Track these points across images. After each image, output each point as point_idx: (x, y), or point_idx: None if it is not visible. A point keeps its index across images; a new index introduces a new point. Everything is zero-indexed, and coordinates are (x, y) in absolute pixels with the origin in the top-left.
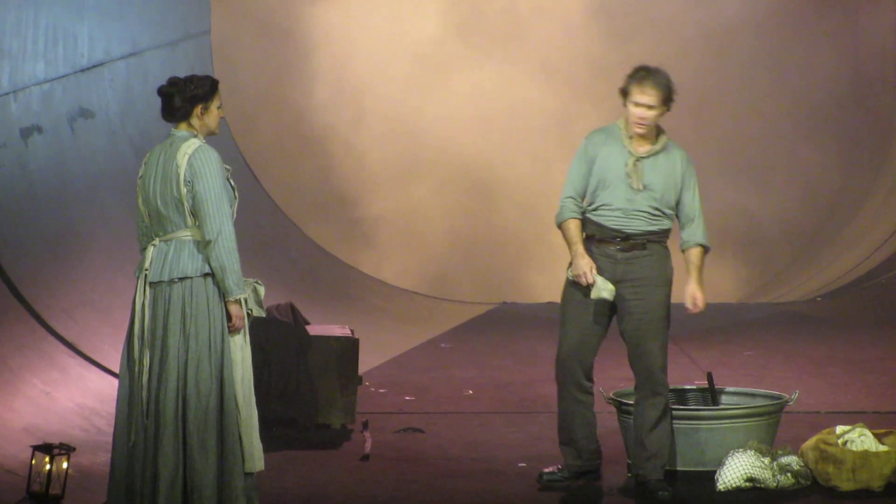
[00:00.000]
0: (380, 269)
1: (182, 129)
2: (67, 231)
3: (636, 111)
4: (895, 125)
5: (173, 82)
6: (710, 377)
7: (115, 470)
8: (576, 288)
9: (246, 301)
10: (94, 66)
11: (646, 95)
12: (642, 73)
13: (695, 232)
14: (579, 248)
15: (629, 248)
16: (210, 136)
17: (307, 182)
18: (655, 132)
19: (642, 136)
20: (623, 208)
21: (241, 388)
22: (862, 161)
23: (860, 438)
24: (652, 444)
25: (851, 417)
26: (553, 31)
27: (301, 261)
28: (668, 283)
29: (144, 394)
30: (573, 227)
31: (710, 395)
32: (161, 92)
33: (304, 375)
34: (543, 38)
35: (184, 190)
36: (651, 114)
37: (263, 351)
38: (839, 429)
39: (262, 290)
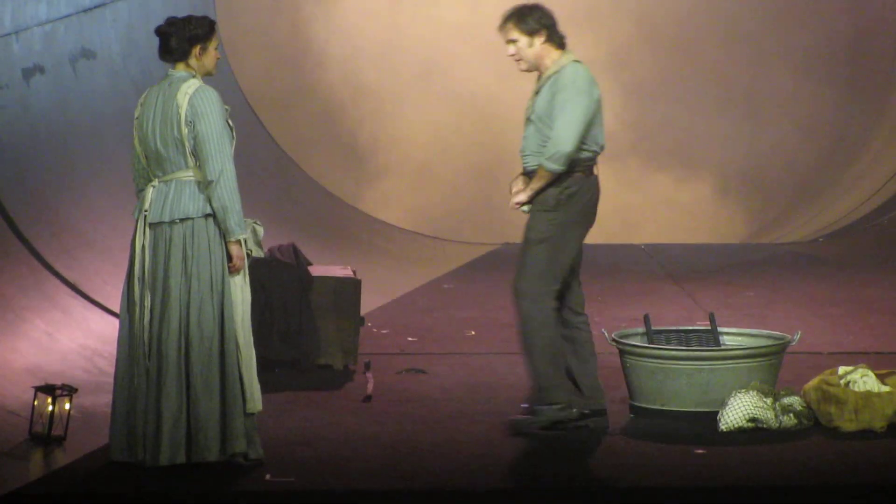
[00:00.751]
0: (382, 209)
1: (180, 70)
2: (69, 172)
3: (508, 51)
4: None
5: (171, 22)
6: (712, 318)
7: (117, 411)
8: None
9: (246, 241)
10: (96, 7)
11: (504, 33)
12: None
13: (546, 151)
14: (516, 178)
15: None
16: (207, 77)
17: (308, 122)
18: (551, 60)
19: (539, 70)
20: (523, 145)
21: (241, 329)
22: (863, 102)
23: (862, 379)
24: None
25: (853, 358)
26: None
27: (303, 201)
28: (548, 209)
29: (146, 335)
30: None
31: (713, 335)
32: (159, 31)
33: (306, 316)
34: None
35: (185, 130)
36: (516, 47)
37: (265, 291)
38: (841, 369)
39: (261, 231)
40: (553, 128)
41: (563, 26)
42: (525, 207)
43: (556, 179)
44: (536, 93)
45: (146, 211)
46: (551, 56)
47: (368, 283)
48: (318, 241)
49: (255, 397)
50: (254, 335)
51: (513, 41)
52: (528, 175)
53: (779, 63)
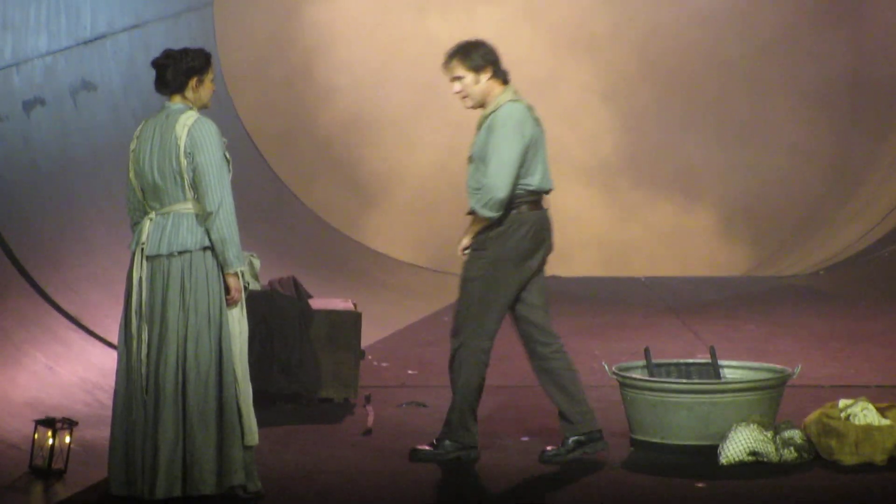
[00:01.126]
0: (382, 242)
1: (177, 102)
2: (70, 204)
3: (453, 89)
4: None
5: (168, 54)
6: (712, 351)
7: (115, 445)
8: None
9: (243, 274)
10: (96, 39)
11: (449, 71)
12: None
13: (477, 198)
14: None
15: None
16: (203, 109)
17: (308, 154)
18: (494, 98)
19: (483, 108)
20: (466, 184)
21: (238, 362)
22: (864, 134)
23: (863, 412)
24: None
25: (854, 391)
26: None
27: (303, 234)
28: (482, 248)
29: (143, 368)
30: None
31: (713, 369)
32: (156, 64)
33: (306, 349)
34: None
35: (184, 162)
36: (462, 84)
37: (266, 324)
38: (842, 402)
39: (257, 263)
40: (486, 173)
41: (564, 56)
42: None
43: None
44: (478, 129)
45: (143, 243)
46: (495, 92)
47: (369, 316)
48: (318, 273)
49: (253, 430)
50: (254, 368)
51: (458, 78)
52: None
53: (779, 95)
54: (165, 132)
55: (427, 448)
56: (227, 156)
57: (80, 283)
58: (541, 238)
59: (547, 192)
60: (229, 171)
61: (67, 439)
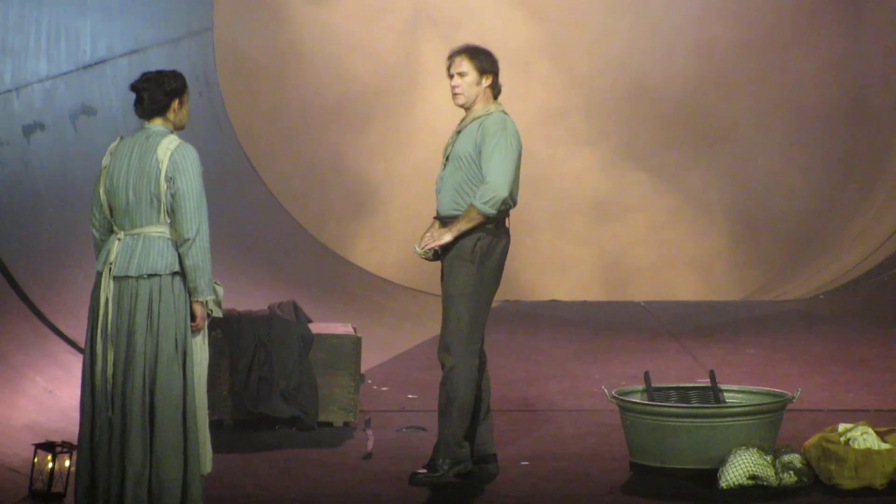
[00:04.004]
0: (382, 266)
1: (157, 124)
2: (70, 229)
3: (451, 83)
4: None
5: (147, 78)
6: (712, 375)
7: (80, 470)
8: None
9: (207, 302)
10: (96, 63)
11: (454, 65)
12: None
13: (478, 194)
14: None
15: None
16: (180, 131)
17: (307, 176)
18: (484, 105)
19: (468, 110)
20: (438, 186)
21: (199, 389)
22: (863, 160)
23: (862, 436)
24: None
25: (854, 415)
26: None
27: (303, 258)
28: (469, 261)
29: (109, 387)
30: None
31: (713, 393)
32: (136, 87)
33: (306, 373)
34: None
35: (164, 186)
36: (463, 80)
37: (266, 349)
38: (841, 426)
39: (220, 291)
40: (488, 171)
41: (572, 77)
42: (427, 254)
43: (471, 230)
44: (458, 132)
45: (111, 263)
46: (485, 100)
47: (369, 340)
48: (318, 298)
49: (209, 458)
50: (255, 392)
51: (462, 74)
52: (443, 220)
53: (777, 121)
54: (146, 153)
55: (424, 471)
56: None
57: (79, 308)
58: (506, 257)
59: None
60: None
61: (67, 463)
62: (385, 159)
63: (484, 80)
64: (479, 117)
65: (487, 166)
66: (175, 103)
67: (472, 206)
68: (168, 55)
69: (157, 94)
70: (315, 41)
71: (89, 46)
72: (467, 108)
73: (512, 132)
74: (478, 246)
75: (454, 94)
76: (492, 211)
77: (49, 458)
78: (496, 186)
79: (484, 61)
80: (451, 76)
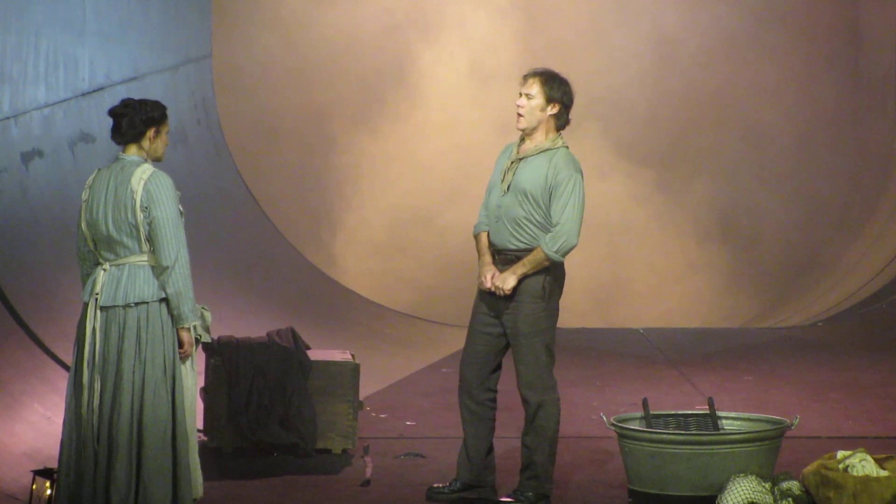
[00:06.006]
0: (380, 293)
1: (131, 153)
2: (68, 255)
3: (517, 102)
4: (895, 150)
5: (127, 104)
6: (710, 402)
7: (62, 499)
8: (481, 299)
9: (195, 327)
10: (94, 91)
11: (525, 85)
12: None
13: (549, 239)
14: (485, 258)
15: (504, 263)
16: (157, 162)
17: (305, 203)
18: (546, 134)
19: (529, 137)
20: (495, 214)
21: (188, 415)
22: (862, 186)
23: (861, 463)
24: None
25: (852, 442)
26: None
27: (302, 284)
28: (540, 298)
29: (95, 418)
30: (481, 239)
31: (711, 420)
32: (114, 112)
33: (304, 400)
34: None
35: (140, 215)
36: (528, 103)
37: (264, 375)
38: (840, 454)
39: (208, 316)
40: (560, 216)
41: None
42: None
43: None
44: (520, 159)
45: (97, 294)
46: (548, 131)
47: (367, 367)
48: (316, 324)
49: (199, 483)
50: (253, 419)
51: (529, 96)
52: (499, 251)
53: (777, 144)
54: (120, 185)
55: (509, 500)
56: (181, 209)
57: None
58: None
59: None
60: (182, 223)
61: None
62: (398, 187)
63: (550, 109)
64: (545, 150)
65: (560, 211)
66: (151, 132)
67: (540, 249)
68: (166, 82)
69: (135, 119)
70: (320, 71)
71: (88, 74)
72: (528, 134)
73: (582, 173)
74: (546, 282)
75: (518, 116)
76: (561, 258)
77: (47, 484)
78: (569, 234)
79: (555, 90)
80: (519, 94)
